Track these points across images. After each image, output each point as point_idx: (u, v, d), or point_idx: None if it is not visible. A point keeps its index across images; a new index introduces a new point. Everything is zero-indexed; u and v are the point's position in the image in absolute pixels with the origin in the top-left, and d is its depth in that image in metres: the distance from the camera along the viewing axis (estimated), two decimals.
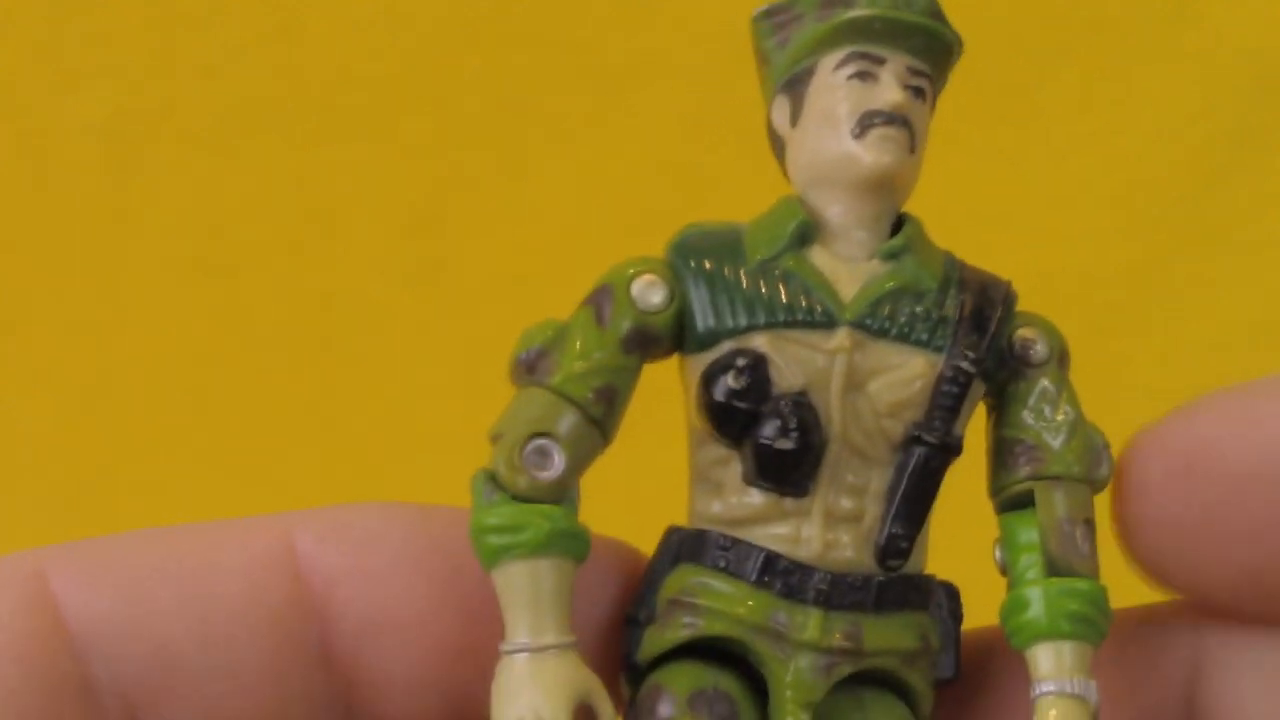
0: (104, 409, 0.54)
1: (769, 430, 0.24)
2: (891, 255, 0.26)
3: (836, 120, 0.25)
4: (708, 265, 0.25)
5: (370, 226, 0.55)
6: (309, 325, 0.55)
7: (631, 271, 0.25)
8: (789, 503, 0.25)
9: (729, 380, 0.24)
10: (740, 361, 0.24)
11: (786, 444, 0.24)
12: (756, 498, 0.25)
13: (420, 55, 0.55)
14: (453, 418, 0.53)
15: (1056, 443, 0.26)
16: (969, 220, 0.56)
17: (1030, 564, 0.25)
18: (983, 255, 0.56)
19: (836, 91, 0.26)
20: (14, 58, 0.54)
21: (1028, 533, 0.26)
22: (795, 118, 0.26)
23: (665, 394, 0.26)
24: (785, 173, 0.27)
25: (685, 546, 0.25)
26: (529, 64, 0.54)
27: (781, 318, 0.25)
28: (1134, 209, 0.56)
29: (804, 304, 0.25)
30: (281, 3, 0.55)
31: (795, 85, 0.26)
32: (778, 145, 0.27)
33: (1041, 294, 0.55)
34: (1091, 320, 0.56)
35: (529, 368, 0.25)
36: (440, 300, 0.54)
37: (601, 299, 0.25)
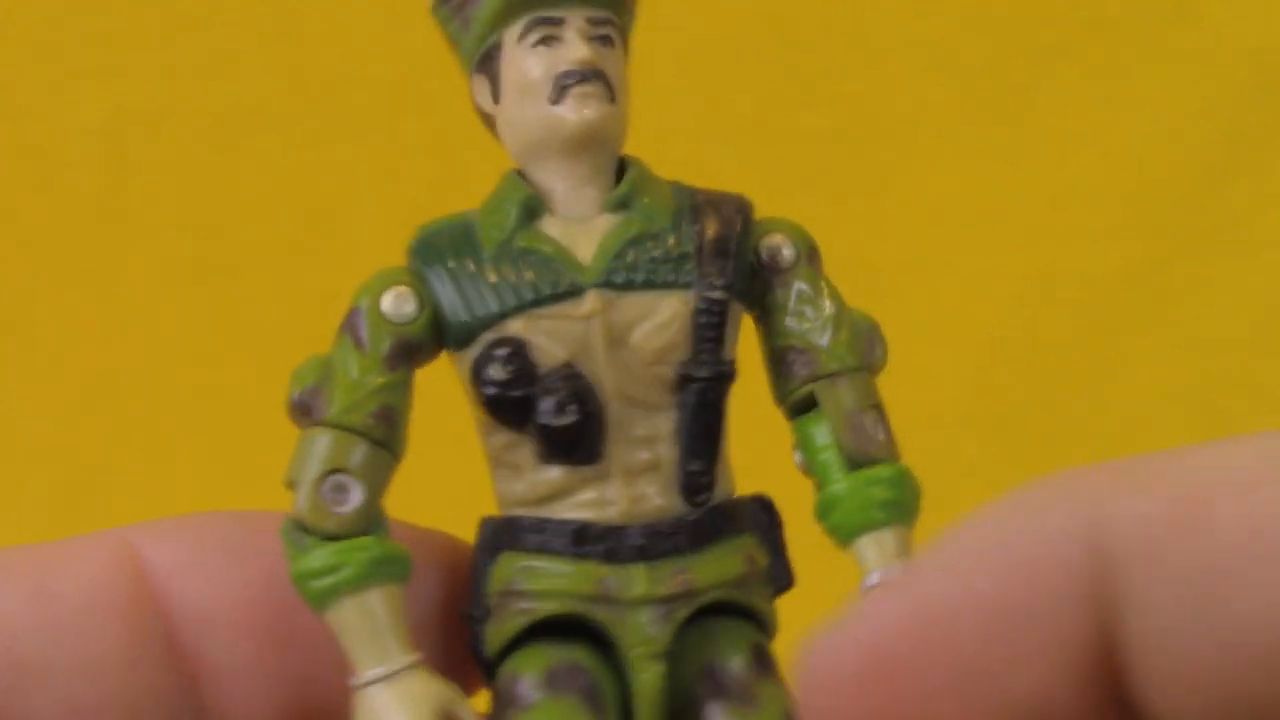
0: (104, 409, 0.54)
1: (546, 409, 0.25)
2: (620, 205, 0.26)
3: (533, 89, 0.26)
4: (449, 263, 0.26)
5: (370, 226, 0.55)
6: (309, 325, 0.54)
7: (378, 287, 0.26)
8: (586, 470, 0.25)
9: (494, 372, 0.25)
10: (500, 352, 0.25)
11: (566, 419, 0.25)
12: (554, 473, 0.25)
13: (420, 55, 0.55)
14: (452, 418, 0.53)
15: (824, 340, 0.26)
16: (969, 220, 0.56)
17: (830, 462, 0.26)
18: (983, 255, 0.56)
19: (526, 61, 0.26)
20: (14, 58, 0.54)
21: (821, 433, 0.26)
22: (496, 95, 0.27)
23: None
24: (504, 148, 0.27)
25: (500, 535, 0.25)
26: None
27: (529, 297, 0.25)
28: (1134, 209, 0.56)
29: (548, 278, 0.25)
30: (281, 3, 0.55)
31: (487, 64, 0.27)
32: (489, 124, 0.28)
33: (1041, 294, 0.56)
34: (1091, 320, 0.56)
35: (305, 409, 0.26)
36: None
37: (356, 322, 0.27)
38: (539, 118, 0.26)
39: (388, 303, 0.26)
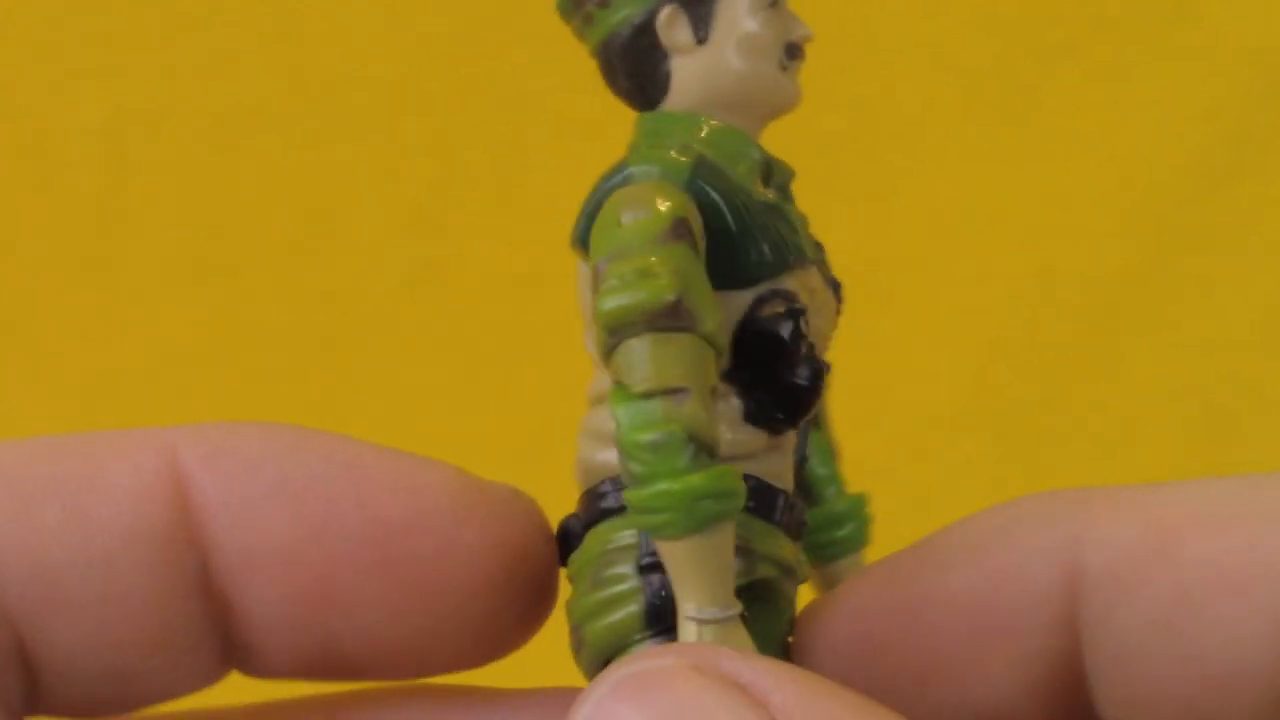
0: (104, 409, 0.54)
1: (804, 374, 0.24)
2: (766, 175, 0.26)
3: (765, 49, 0.25)
4: (738, 201, 0.24)
5: (370, 226, 0.55)
6: (309, 325, 0.55)
7: (681, 200, 0.24)
8: (773, 439, 0.24)
9: (779, 326, 0.24)
10: (784, 305, 0.24)
11: (817, 389, 0.24)
12: (753, 434, 0.24)
13: (420, 55, 0.55)
14: (453, 417, 0.53)
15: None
16: (971, 220, 0.56)
17: (831, 477, 0.26)
18: (983, 254, 0.56)
19: (758, 16, 0.25)
20: (14, 58, 0.55)
21: (823, 447, 0.26)
22: (702, 34, 0.25)
23: None
24: (641, 89, 0.26)
25: None
26: (529, 64, 0.54)
27: (792, 258, 0.24)
28: (1136, 209, 0.56)
29: (796, 241, 0.25)
30: (281, 3, 0.55)
31: (698, 2, 0.25)
32: (646, 59, 0.26)
33: (1042, 294, 0.56)
34: (1092, 320, 0.56)
35: (680, 314, 0.22)
36: (440, 300, 0.54)
37: (684, 232, 0.23)
38: (766, 78, 0.25)
39: (694, 219, 0.24)
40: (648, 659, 0.21)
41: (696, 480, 0.22)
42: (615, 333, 0.22)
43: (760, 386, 0.24)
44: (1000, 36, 0.56)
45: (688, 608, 0.22)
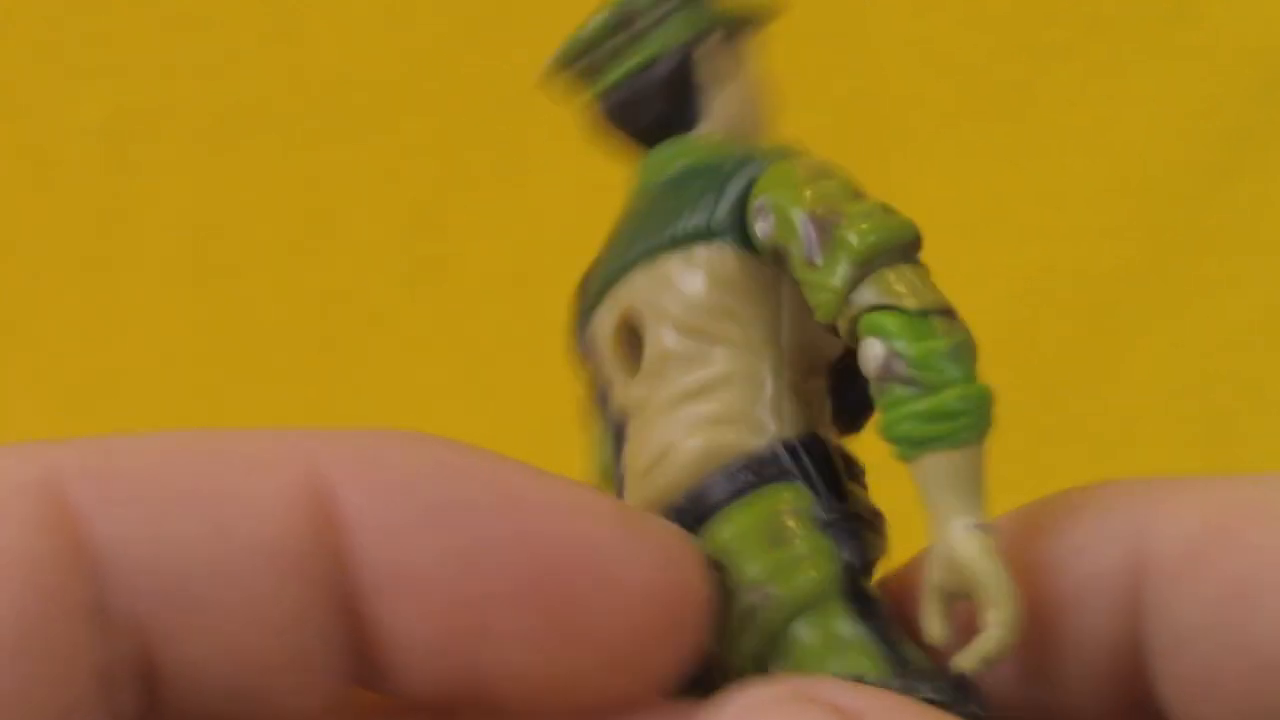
0: (103, 409, 0.54)
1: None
2: None
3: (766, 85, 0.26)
4: None
5: (370, 226, 0.55)
6: (309, 325, 0.55)
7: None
8: None
9: None
10: None
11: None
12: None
13: (420, 55, 0.55)
14: (453, 417, 0.53)
15: None
16: (967, 219, 0.56)
17: None
18: (980, 254, 0.56)
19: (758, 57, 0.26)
20: (14, 58, 0.55)
21: None
22: (739, 66, 0.26)
23: None
24: (668, 122, 0.26)
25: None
26: (529, 64, 0.54)
27: None
28: (1133, 208, 0.56)
29: None
30: (281, 3, 0.55)
31: (735, 36, 0.26)
32: (686, 88, 0.26)
33: (1040, 293, 0.56)
34: (1091, 320, 0.56)
35: (919, 245, 0.24)
36: (440, 300, 0.54)
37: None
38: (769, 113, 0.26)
39: None
40: (760, 688, 0.22)
41: (987, 386, 0.23)
42: (868, 263, 0.23)
43: (844, 390, 0.24)
44: (995, 34, 0.56)
45: (967, 520, 0.22)
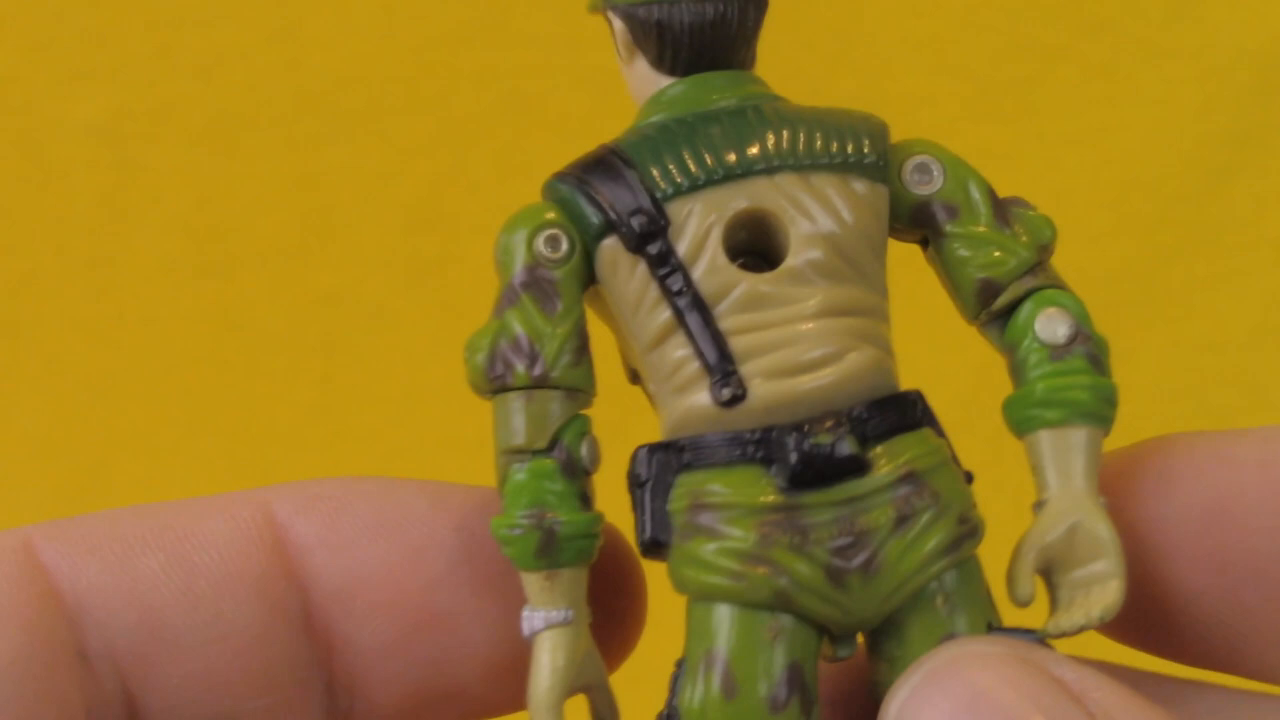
0: (103, 409, 0.54)
1: None
2: None
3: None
4: None
5: (370, 226, 0.55)
6: (309, 325, 0.55)
7: None
8: None
9: None
10: None
11: None
12: None
13: (420, 55, 0.55)
14: (453, 417, 0.53)
15: None
16: None
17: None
18: None
19: None
20: (14, 58, 0.55)
21: None
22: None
23: None
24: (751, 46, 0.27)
25: None
26: (529, 64, 0.54)
27: None
28: (1133, 209, 0.56)
29: None
30: (281, 3, 0.55)
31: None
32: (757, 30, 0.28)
33: None
34: (1091, 319, 0.56)
35: None
36: (440, 300, 0.54)
37: None
38: None
39: None
40: (981, 642, 0.23)
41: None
42: (1048, 249, 0.27)
43: None
44: (996, 36, 0.56)
45: (1099, 497, 0.24)
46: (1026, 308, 0.26)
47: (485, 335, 0.26)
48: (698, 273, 0.24)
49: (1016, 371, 0.26)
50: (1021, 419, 0.25)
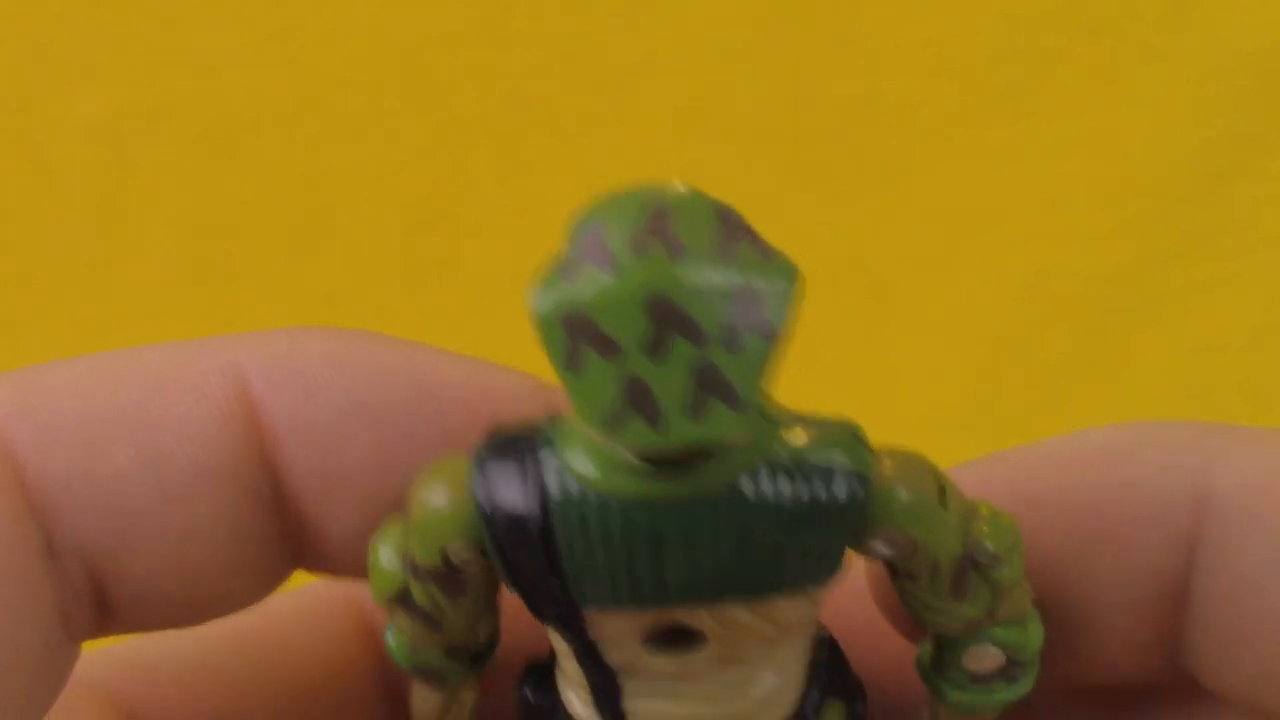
0: None
1: None
2: None
3: None
4: None
5: (370, 226, 0.55)
6: (309, 325, 0.55)
7: None
8: None
9: None
10: None
11: None
12: None
13: (420, 55, 0.55)
14: None
15: None
16: (969, 221, 0.56)
17: None
18: (983, 256, 0.56)
19: None
20: (14, 58, 0.55)
21: None
22: None
23: None
24: None
25: None
26: (529, 64, 0.54)
27: None
28: (1132, 210, 0.56)
29: None
30: (281, 3, 0.55)
31: None
32: None
33: (1041, 295, 0.56)
34: (1091, 320, 0.56)
35: None
36: (440, 300, 0.54)
37: None
38: None
39: None
40: None
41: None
42: (1009, 593, 0.22)
43: None
44: (995, 38, 0.56)
45: None
46: (961, 640, 0.23)
47: (389, 578, 0.22)
48: (605, 650, 0.22)
49: (935, 652, 0.24)
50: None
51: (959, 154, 0.56)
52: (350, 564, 0.24)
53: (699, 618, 0.21)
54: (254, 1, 0.55)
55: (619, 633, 0.21)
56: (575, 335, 0.19)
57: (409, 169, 0.55)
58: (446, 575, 0.21)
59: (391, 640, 0.23)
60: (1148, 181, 0.56)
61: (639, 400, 0.18)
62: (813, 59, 0.55)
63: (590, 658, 0.22)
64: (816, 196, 0.54)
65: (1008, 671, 0.23)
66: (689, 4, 0.53)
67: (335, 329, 0.25)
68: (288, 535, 0.24)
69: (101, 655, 0.25)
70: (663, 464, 0.20)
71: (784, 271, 0.19)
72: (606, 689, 0.22)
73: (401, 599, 0.22)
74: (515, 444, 0.21)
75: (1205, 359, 0.56)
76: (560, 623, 0.21)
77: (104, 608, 0.24)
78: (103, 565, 0.23)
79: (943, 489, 0.22)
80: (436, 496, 0.21)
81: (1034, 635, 0.23)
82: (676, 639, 0.21)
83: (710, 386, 0.18)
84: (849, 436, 0.21)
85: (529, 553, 0.21)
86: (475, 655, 0.24)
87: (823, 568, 0.21)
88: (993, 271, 0.55)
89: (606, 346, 0.18)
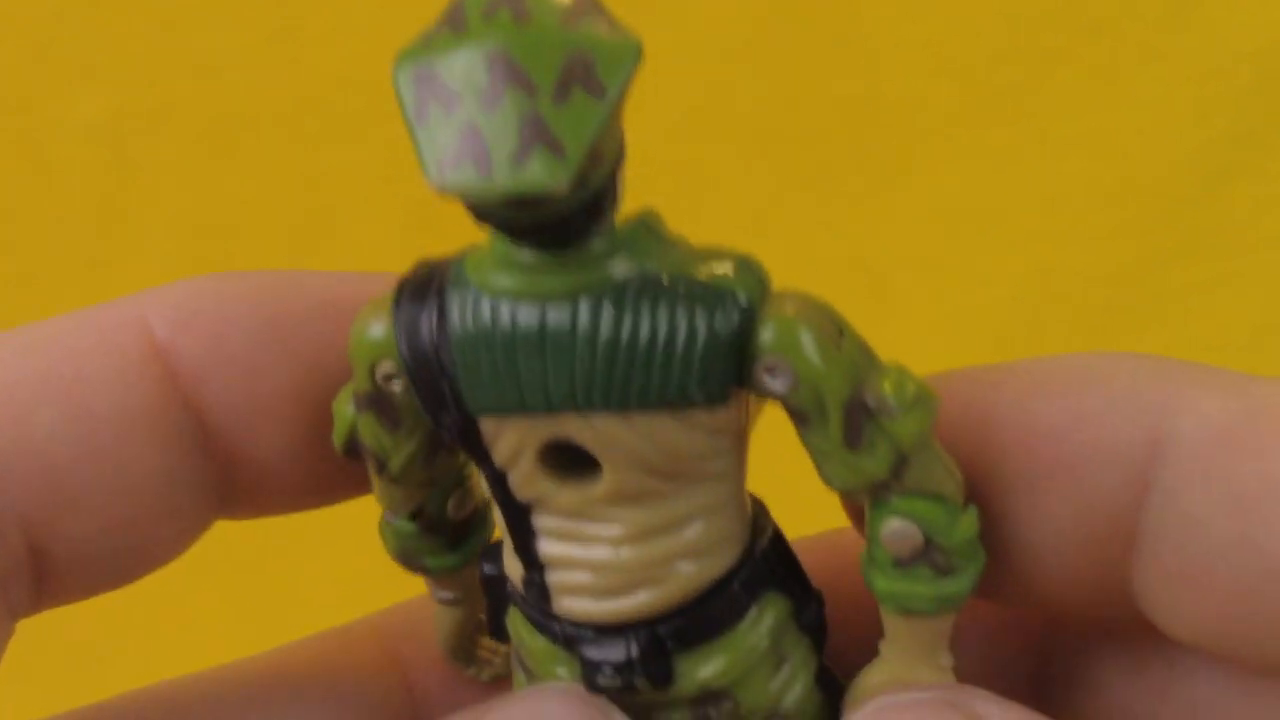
0: None
1: None
2: None
3: None
4: None
5: (370, 226, 0.55)
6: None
7: None
8: None
9: None
10: None
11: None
12: None
13: None
14: None
15: None
16: (969, 221, 0.56)
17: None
18: (982, 255, 0.56)
19: None
20: (14, 58, 0.55)
21: None
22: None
23: None
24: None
25: None
26: None
27: None
28: (1133, 210, 0.56)
29: None
30: (281, 3, 0.55)
31: None
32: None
33: (1041, 294, 0.56)
34: (1091, 320, 0.56)
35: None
36: None
37: None
38: None
39: None
40: (914, 690, 0.22)
41: (981, 565, 0.24)
42: (913, 452, 0.22)
43: None
44: (995, 39, 0.56)
45: (949, 657, 0.24)
46: (875, 512, 0.23)
47: (343, 419, 0.24)
48: (513, 481, 0.23)
49: (868, 544, 0.24)
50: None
51: (959, 154, 0.56)
52: (282, 494, 0.25)
53: (583, 433, 0.22)
54: (254, 1, 0.55)
55: (514, 449, 0.22)
56: (423, 90, 0.21)
57: (409, 169, 0.55)
58: (379, 400, 0.23)
59: (387, 544, 0.26)
60: (1148, 181, 0.56)
61: (471, 147, 0.20)
62: (813, 59, 0.55)
63: (502, 489, 0.23)
64: (816, 196, 0.54)
65: (931, 557, 0.23)
66: (689, 4, 0.53)
67: (229, 272, 0.26)
68: (218, 474, 0.25)
69: None
70: (523, 237, 0.22)
71: (626, 43, 0.20)
72: (521, 529, 0.23)
73: (354, 444, 0.24)
74: (431, 270, 0.24)
75: (1205, 359, 0.55)
76: (460, 436, 0.23)
77: (41, 580, 0.24)
78: (39, 530, 0.23)
79: (840, 331, 0.22)
80: (366, 325, 0.23)
81: (963, 524, 0.23)
82: (574, 466, 0.23)
83: (536, 135, 0.19)
84: (743, 266, 0.22)
85: (426, 359, 0.22)
86: (455, 538, 0.26)
87: (703, 392, 0.22)
88: (993, 271, 0.55)
89: (449, 100, 0.21)
